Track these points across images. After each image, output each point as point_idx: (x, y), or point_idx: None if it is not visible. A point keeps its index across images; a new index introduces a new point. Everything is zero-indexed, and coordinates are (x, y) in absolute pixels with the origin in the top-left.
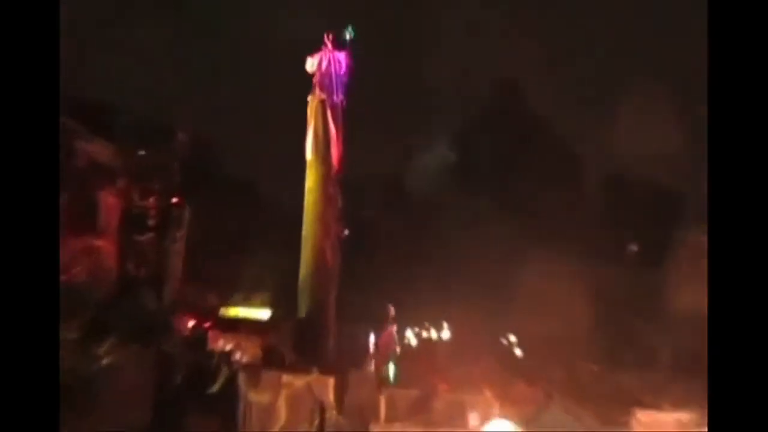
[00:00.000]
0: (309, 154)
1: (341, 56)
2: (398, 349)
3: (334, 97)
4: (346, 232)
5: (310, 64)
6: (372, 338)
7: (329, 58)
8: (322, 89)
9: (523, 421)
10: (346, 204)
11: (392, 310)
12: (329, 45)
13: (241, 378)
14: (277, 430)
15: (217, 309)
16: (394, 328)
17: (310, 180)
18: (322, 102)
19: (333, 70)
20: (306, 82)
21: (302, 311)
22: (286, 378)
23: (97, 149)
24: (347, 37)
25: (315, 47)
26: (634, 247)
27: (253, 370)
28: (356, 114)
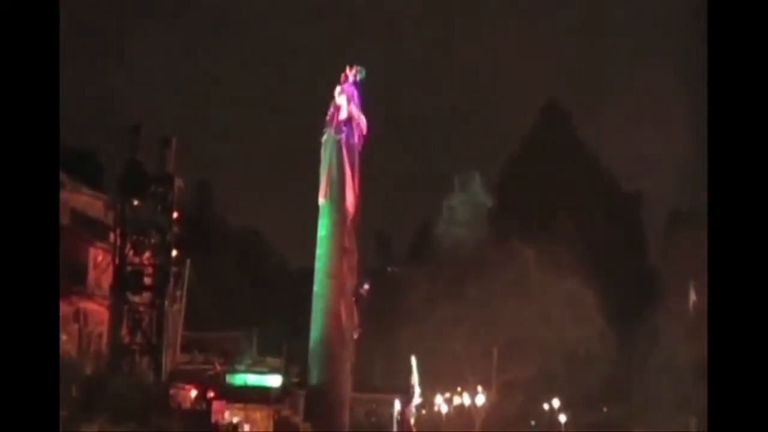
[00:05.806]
0: (321, 198)
1: (354, 93)
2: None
3: (352, 137)
4: (366, 286)
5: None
6: (396, 408)
7: (348, 95)
8: (338, 129)
9: None
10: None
11: (415, 378)
12: (349, 80)
13: None
14: None
15: (221, 377)
16: (413, 401)
17: (323, 228)
18: (338, 142)
19: (352, 108)
20: (317, 121)
21: (314, 379)
22: None
23: (85, 200)
24: (358, 78)
25: (326, 84)
26: None
27: None
28: (378, 158)
